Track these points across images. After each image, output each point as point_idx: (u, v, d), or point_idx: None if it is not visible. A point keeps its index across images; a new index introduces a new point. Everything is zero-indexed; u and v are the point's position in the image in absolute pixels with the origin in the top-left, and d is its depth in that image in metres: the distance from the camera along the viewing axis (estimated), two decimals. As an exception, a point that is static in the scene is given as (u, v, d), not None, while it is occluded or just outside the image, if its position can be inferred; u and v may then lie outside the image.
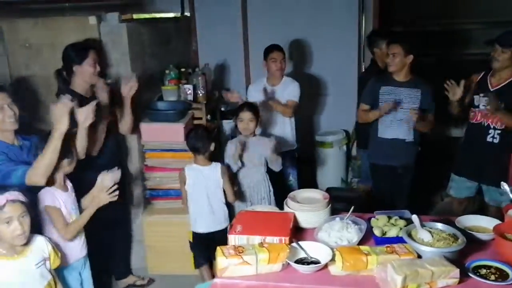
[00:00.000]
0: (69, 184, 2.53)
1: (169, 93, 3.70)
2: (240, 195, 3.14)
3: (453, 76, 3.48)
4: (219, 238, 2.72)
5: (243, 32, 4.71)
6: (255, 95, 3.71)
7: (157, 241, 3.47)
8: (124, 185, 3.14)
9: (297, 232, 2.30)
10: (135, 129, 3.32)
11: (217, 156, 3.88)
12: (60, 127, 2.29)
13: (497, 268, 1.97)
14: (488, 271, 1.96)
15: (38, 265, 2.14)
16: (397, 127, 3.37)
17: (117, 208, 2.90)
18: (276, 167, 3.16)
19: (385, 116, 3.34)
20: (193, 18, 4.67)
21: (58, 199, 2.43)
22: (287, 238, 2.14)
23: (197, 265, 3.19)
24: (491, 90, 3.14)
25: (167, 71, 3.75)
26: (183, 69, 3.94)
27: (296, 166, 3.93)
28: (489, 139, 3.17)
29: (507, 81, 3.11)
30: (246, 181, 3.17)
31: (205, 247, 3.02)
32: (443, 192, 4.22)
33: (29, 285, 2.11)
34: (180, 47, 4.51)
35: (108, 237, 3.17)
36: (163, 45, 4.05)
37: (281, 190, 3.28)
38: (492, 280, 1.89)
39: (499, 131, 3.13)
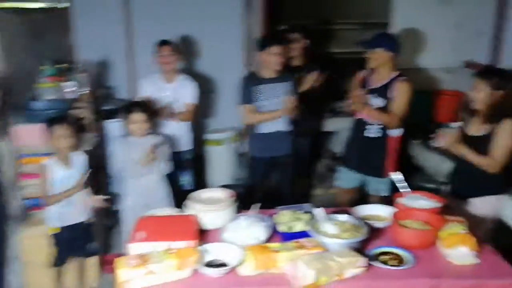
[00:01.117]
0: None
1: (47, 92, 3.33)
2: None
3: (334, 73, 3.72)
4: (81, 231, 2.84)
5: (127, 25, 4.45)
6: (148, 90, 3.53)
7: (37, 256, 3.10)
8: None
9: (201, 235, 2.20)
10: (6, 132, 2.93)
11: (101, 158, 3.63)
12: None
13: (395, 254, 2.08)
14: (387, 257, 2.06)
15: None
16: (276, 119, 3.42)
17: None
18: (163, 170, 3.03)
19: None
20: (70, 9, 4.28)
21: None
22: (195, 241, 2.04)
23: (59, 263, 2.95)
24: (371, 88, 3.34)
25: (42, 67, 3.38)
26: (61, 65, 3.59)
27: (191, 166, 3.82)
28: (368, 133, 3.37)
29: (385, 81, 3.32)
30: (143, 185, 2.98)
31: (69, 242, 2.87)
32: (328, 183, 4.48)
33: None
34: (56, 41, 4.11)
35: None
36: (38, 39, 3.65)
37: (176, 192, 3.16)
38: (393, 266, 2.00)
39: (377, 127, 3.34)
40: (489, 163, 2.66)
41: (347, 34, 5.00)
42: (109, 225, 3.73)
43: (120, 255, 2.05)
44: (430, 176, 3.85)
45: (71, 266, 3.04)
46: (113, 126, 3.94)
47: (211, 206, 2.31)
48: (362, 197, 3.67)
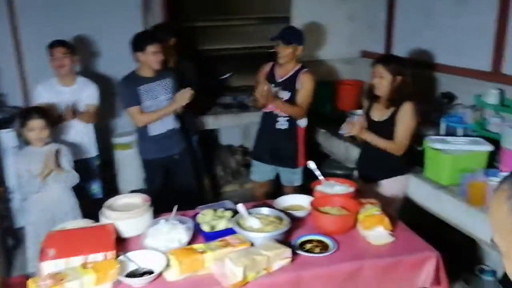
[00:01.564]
0: None
1: None
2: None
3: (237, 68, 3.72)
4: None
5: (12, 29, 4.08)
6: (46, 96, 3.26)
7: None
8: None
9: (121, 244, 2.08)
10: None
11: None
12: None
13: (318, 241, 2.12)
14: (311, 245, 2.09)
15: None
16: (165, 119, 3.35)
17: None
18: (69, 182, 2.83)
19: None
20: None
21: None
22: (113, 252, 1.91)
23: None
24: (278, 81, 3.39)
25: None
26: None
27: (100, 173, 3.61)
28: (278, 126, 3.42)
29: (290, 73, 3.39)
30: (46, 197, 2.75)
31: None
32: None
33: None
34: None
35: None
36: None
37: (85, 202, 2.96)
38: (318, 253, 2.03)
39: (286, 118, 3.40)
40: (394, 146, 2.82)
41: (248, 29, 5.03)
42: (11, 245, 3.41)
43: (25, 276, 1.86)
44: (338, 163, 3.99)
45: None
46: (6, 136, 3.59)
47: (127, 213, 2.18)
48: (277, 189, 3.73)
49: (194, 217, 2.27)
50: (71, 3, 4.17)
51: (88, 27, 4.20)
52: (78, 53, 3.54)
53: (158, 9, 4.31)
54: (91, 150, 3.49)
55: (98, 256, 1.87)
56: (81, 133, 3.39)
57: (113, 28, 4.20)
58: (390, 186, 2.93)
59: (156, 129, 3.34)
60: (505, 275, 2.83)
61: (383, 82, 2.81)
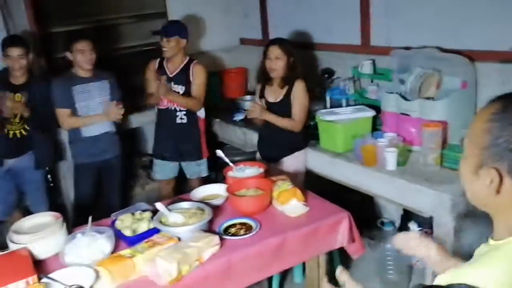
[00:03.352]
0: None
1: None
2: None
3: (122, 68, 3.62)
4: None
5: None
6: None
7: None
8: None
9: (40, 266, 1.95)
10: None
11: None
12: None
13: (241, 223, 2.20)
14: (236, 228, 2.17)
15: None
16: (99, 122, 3.27)
17: None
18: None
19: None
20: None
21: None
22: (34, 277, 1.79)
23: None
24: (170, 76, 3.38)
25: None
26: None
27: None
28: (178, 120, 3.43)
29: (181, 67, 3.40)
30: None
31: None
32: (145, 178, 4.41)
33: None
34: None
35: None
36: None
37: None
38: (243, 235, 2.11)
39: (184, 112, 3.42)
40: (294, 123, 2.99)
41: (124, 29, 4.89)
42: None
43: None
44: (237, 149, 4.10)
45: None
46: None
47: (39, 234, 2.05)
48: (181, 184, 3.73)
49: (112, 225, 2.20)
50: None
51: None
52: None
53: (23, 15, 3.99)
54: None
55: (20, 284, 1.75)
56: None
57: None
58: (291, 163, 3.10)
59: (89, 131, 3.26)
60: (401, 224, 3.19)
61: (279, 63, 2.96)
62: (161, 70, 3.42)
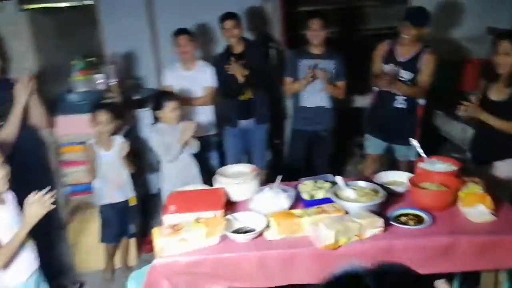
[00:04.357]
0: (7, 196, 2.16)
1: (79, 84, 3.54)
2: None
3: (357, 51, 3.76)
4: (122, 211, 3.16)
5: (150, 17, 4.62)
6: (170, 79, 3.68)
7: (82, 238, 3.34)
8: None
9: (230, 206, 2.35)
10: (48, 123, 3.14)
11: (134, 145, 3.81)
12: None
13: (414, 215, 2.17)
14: (407, 218, 2.15)
15: None
16: (317, 95, 3.58)
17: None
18: (195, 149, 3.19)
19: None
20: (96, 6, 4.47)
21: None
22: (222, 211, 2.18)
23: (105, 240, 3.24)
24: (399, 61, 3.36)
25: (74, 62, 3.59)
26: (90, 59, 3.79)
27: (218, 149, 3.96)
28: (396, 104, 3.41)
29: (413, 53, 3.33)
30: (178, 165, 3.15)
31: (112, 220, 3.17)
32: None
33: None
34: (85, 37, 4.32)
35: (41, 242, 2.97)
36: (68, 36, 3.85)
37: (205, 172, 3.31)
38: (412, 225, 2.09)
39: (404, 98, 3.38)
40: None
41: (368, 12, 5.02)
42: (148, 208, 3.91)
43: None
44: (456, 146, 3.86)
45: (117, 246, 3.31)
46: (143, 115, 4.12)
47: (237, 180, 2.45)
48: (390, 163, 3.74)
49: (295, 187, 2.45)
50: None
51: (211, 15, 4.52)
52: (199, 40, 3.91)
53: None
54: (210, 128, 3.84)
55: (209, 214, 2.16)
56: (202, 113, 3.75)
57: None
58: (505, 169, 2.80)
59: (305, 101, 3.64)
60: None
61: (509, 59, 2.69)
62: (389, 53, 3.42)
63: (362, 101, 4.47)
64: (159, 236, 2.00)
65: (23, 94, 2.73)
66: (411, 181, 2.32)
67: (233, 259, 2.01)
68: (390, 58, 3.38)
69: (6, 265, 2.06)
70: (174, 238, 1.99)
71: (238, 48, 3.69)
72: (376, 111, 3.60)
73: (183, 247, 2.00)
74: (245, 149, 3.97)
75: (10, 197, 2.16)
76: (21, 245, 2.10)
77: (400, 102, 3.38)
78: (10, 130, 2.67)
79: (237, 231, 2.11)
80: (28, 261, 2.18)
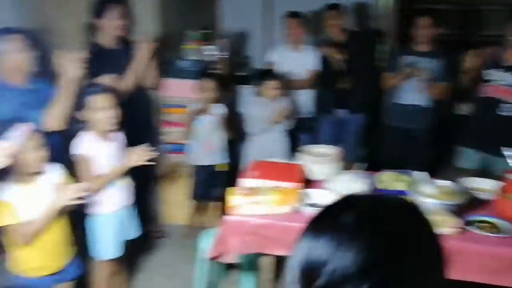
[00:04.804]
0: (116, 136, 2.49)
1: (190, 53, 3.81)
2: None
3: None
4: (212, 174, 3.35)
5: (268, -1, 4.78)
6: (277, 60, 3.82)
7: (172, 193, 3.63)
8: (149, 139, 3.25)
9: (308, 183, 2.42)
10: (157, 84, 3.44)
11: (234, 116, 4.01)
12: (65, 75, 2.37)
13: (493, 224, 2.08)
14: (485, 225, 2.07)
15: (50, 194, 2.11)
16: (413, 92, 3.51)
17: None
18: (286, 127, 3.31)
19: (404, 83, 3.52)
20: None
21: (95, 148, 2.38)
22: (299, 184, 2.27)
23: (194, 198, 3.46)
24: (505, 65, 3.17)
25: (190, 32, 3.86)
26: (205, 32, 4.04)
27: (311, 133, 4.02)
28: (502, 112, 3.21)
29: None
30: (266, 139, 3.30)
31: (203, 181, 3.39)
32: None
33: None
34: (204, 9, 4.60)
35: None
36: (189, 6, 4.13)
37: (294, 152, 3.41)
38: (487, 232, 2.01)
39: (510, 105, 3.17)
40: None
41: (492, 15, 4.73)
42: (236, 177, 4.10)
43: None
44: None
45: (202, 205, 3.54)
46: (245, 91, 4.31)
47: (319, 159, 2.52)
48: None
49: (375, 175, 2.46)
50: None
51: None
52: (309, 25, 3.98)
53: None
54: (307, 111, 3.91)
55: (286, 184, 2.25)
56: (302, 95, 3.84)
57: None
58: None
59: (401, 98, 3.58)
60: None
61: None
62: (494, 58, 3.24)
63: (464, 108, 4.27)
64: (234, 194, 2.14)
65: (144, 54, 3.02)
66: (503, 189, 2.22)
67: (299, 230, 2.08)
68: (495, 62, 3.19)
69: (99, 191, 2.38)
70: (248, 199, 2.12)
71: (340, 38, 3.72)
72: (477, 120, 3.42)
73: (255, 209, 2.13)
74: (338, 138, 3.98)
75: (119, 137, 2.49)
76: (116, 181, 2.41)
77: (506, 110, 3.18)
78: (126, 82, 2.98)
79: (308, 205, 2.18)
80: (122, 196, 2.50)
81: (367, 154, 4.32)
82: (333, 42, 3.73)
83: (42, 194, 2.09)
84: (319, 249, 0.65)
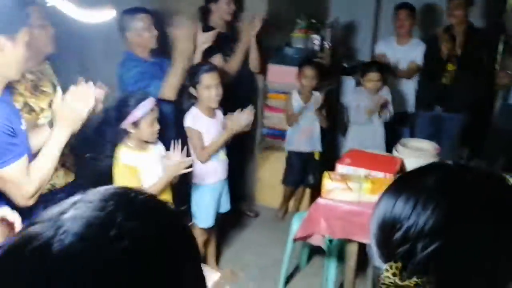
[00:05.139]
0: (218, 113, 2.71)
1: (297, 41, 3.89)
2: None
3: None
4: (307, 161, 3.42)
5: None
6: (382, 50, 3.79)
7: (267, 175, 3.75)
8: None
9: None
10: (262, 69, 3.55)
11: (333, 105, 4.02)
12: (180, 47, 2.56)
13: None
14: None
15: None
16: None
17: (246, 137, 3.18)
18: (384, 119, 3.30)
19: None
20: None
21: (201, 122, 2.59)
22: (392, 174, 2.26)
23: (287, 183, 3.53)
24: None
25: (298, 20, 3.93)
26: (313, 20, 4.09)
27: (410, 128, 3.92)
28: None
29: None
30: (364, 129, 3.30)
31: (296, 167, 3.45)
32: None
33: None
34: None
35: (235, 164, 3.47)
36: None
37: (391, 145, 3.36)
38: None
39: None
40: None
41: None
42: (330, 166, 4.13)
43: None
44: None
45: (295, 191, 3.63)
46: (347, 82, 4.30)
47: (414, 153, 2.48)
48: None
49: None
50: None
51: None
52: (418, 18, 3.86)
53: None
54: (409, 105, 3.82)
55: (379, 174, 2.26)
56: (404, 89, 3.76)
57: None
58: None
59: None
60: None
61: None
62: None
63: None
64: (328, 179, 2.20)
65: (249, 32, 3.14)
66: None
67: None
68: None
69: (207, 161, 2.60)
70: (341, 185, 2.16)
71: (458, 30, 3.55)
72: None
73: (346, 195, 2.16)
74: (435, 135, 3.83)
75: (219, 114, 2.67)
76: (218, 154, 2.62)
77: None
78: (233, 64, 3.14)
79: (401, 197, 2.17)
80: (219, 170, 2.68)
81: (467, 156, 4.11)
82: (450, 30, 3.57)
83: (156, 162, 2.28)
84: (399, 206, 0.69)
